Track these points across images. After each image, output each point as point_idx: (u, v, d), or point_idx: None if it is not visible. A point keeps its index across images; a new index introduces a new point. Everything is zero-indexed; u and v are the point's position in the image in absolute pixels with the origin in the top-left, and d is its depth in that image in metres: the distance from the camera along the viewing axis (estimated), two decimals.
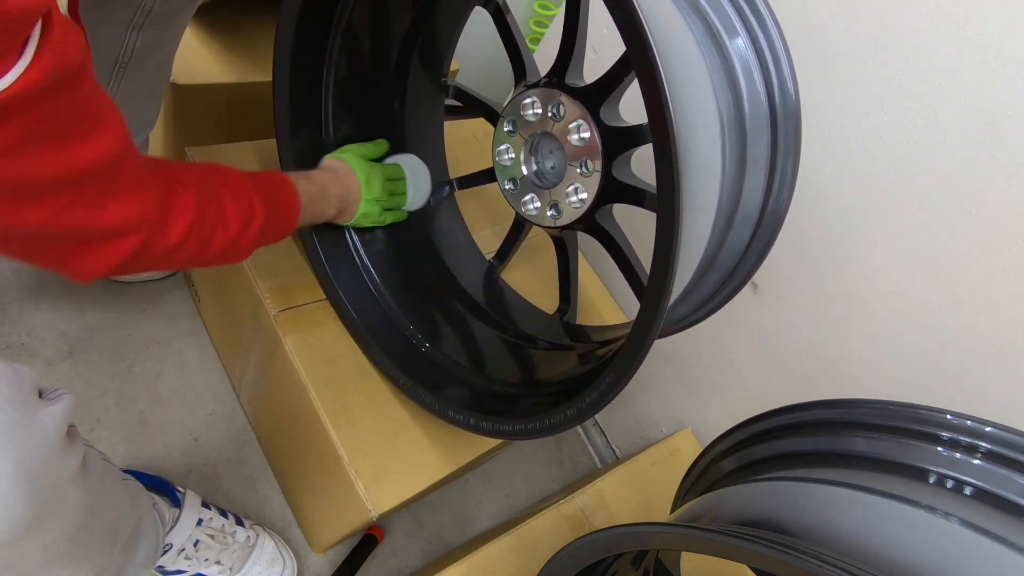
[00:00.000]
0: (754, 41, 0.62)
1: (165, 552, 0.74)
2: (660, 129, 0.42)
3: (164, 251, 0.49)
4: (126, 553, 0.63)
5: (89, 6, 0.69)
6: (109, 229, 0.44)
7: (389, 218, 0.83)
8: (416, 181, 0.86)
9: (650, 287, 0.48)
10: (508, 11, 0.76)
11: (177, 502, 0.78)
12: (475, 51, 1.25)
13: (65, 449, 0.47)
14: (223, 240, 0.54)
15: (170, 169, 0.50)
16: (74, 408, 0.49)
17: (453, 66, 1.14)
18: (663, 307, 0.47)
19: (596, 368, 0.68)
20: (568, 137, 0.67)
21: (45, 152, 0.37)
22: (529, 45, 0.77)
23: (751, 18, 0.62)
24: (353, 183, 0.76)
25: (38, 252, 0.45)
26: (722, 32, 0.61)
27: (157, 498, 0.75)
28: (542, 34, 1.35)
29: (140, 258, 0.48)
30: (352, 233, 0.86)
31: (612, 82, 0.63)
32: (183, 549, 0.76)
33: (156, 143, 1.01)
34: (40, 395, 0.47)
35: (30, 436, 0.43)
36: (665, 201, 0.44)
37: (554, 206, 0.72)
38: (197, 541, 0.77)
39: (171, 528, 0.75)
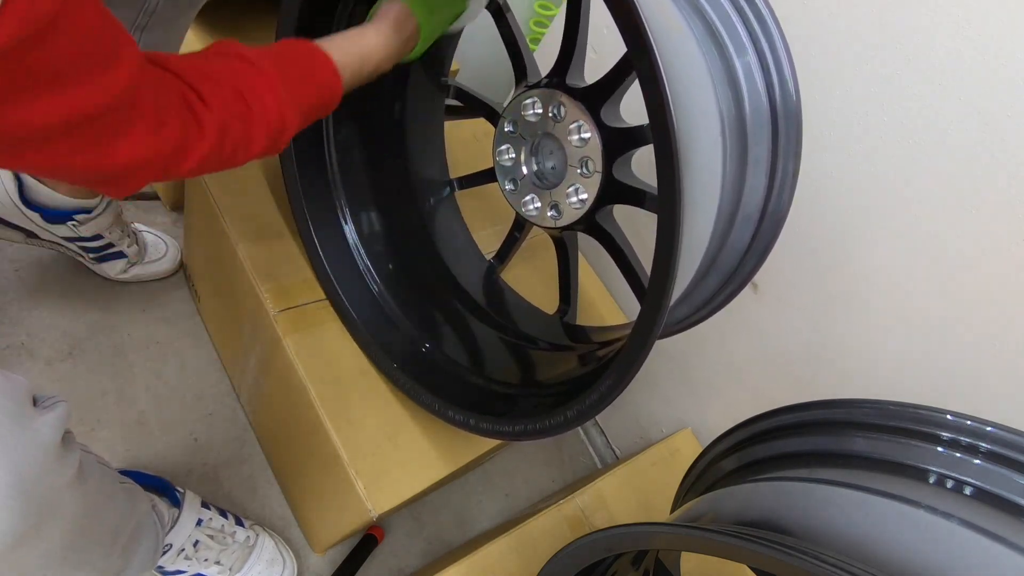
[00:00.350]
0: (755, 41, 0.62)
1: (165, 552, 0.74)
2: (661, 130, 0.42)
3: (183, 175, 0.46)
4: (125, 556, 0.63)
5: None
6: (119, 170, 0.41)
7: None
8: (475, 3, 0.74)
9: (651, 288, 0.47)
10: (508, 11, 0.76)
11: (177, 502, 0.78)
12: (475, 51, 1.25)
13: (60, 457, 0.47)
14: (246, 156, 0.50)
15: (196, 87, 0.45)
16: (69, 415, 0.49)
17: (453, 66, 1.14)
18: (664, 308, 0.47)
19: (596, 369, 0.68)
20: (569, 137, 0.67)
21: (36, 100, 0.34)
22: (529, 45, 0.77)
23: (752, 18, 0.62)
24: (411, 37, 0.66)
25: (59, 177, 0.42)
26: (723, 32, 0.61)
27: (156, 499, 0.75)
28: (542, 34, 1.35)
29: (160, 179, 0.45)
30: (352, 233, 0.86)
31: (613, 83, 0.63)
32: (183, 549, 0.76)
33: None
34: (34, 403, 0.47)
35: (24, 446, 0.43)
36: (666, 202, 0.44)
37: (554, 207, 0.72)
38: (197, 541, 0.77)
39: (171, 528, 0.75)
